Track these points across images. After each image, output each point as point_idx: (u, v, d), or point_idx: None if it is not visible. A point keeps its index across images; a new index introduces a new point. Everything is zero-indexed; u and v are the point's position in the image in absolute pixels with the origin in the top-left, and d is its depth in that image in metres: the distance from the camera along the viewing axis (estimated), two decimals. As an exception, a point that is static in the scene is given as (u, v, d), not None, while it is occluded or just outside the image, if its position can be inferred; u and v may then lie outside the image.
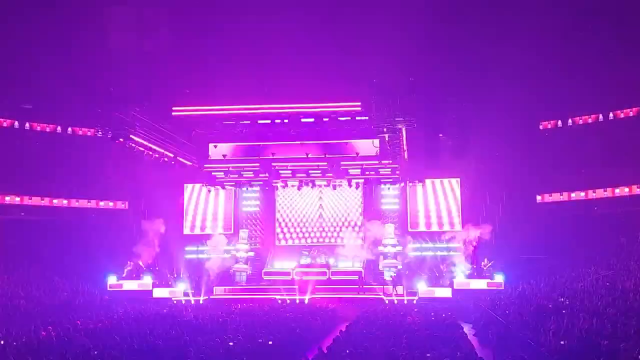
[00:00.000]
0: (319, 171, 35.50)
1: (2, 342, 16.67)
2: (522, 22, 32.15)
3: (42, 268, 33.65)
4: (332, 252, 36.47)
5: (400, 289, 31.44)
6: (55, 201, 38.88)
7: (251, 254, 36.65)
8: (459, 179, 37.13)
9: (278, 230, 38.67)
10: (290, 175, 35.54)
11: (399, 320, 21.48)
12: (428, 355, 13.85)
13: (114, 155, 33.66)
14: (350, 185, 36.84)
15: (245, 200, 38.96)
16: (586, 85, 35.28)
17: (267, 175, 36.69)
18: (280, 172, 35.97)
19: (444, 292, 30.89)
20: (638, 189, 34.44)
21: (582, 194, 36.50)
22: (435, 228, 36.89)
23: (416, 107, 30.03)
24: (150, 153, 32.45)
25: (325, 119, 34.16)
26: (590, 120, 37.71)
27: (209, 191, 38.02)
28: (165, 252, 35.60)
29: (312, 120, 33.71)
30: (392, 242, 34.63)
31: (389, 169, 34.42)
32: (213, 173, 37.17)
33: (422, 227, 37.05)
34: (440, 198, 37.14)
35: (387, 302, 30.07)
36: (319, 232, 38.05)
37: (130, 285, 33.01)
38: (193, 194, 39.38)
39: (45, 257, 35.80)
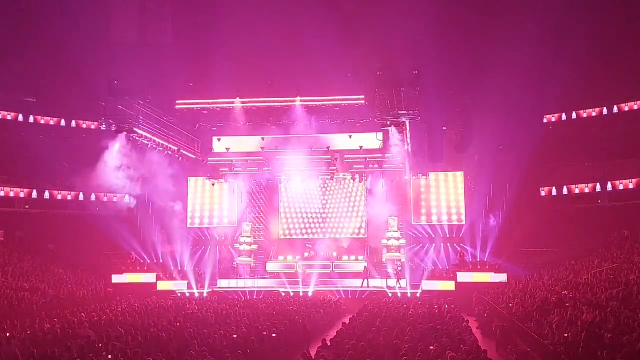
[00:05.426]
0: (323, 164, 35.49)
1: (7, 334, 16.76)
2: (527, 14, 32.04)
3: (47, 260, 33.82)
4: (335, 246, 36.50)
5: (403, 282, 31.48)
6: (59, 194, 39.01)
7: (255, 247, 36.71)
8: (462, 173, 37.02)
9: (282, 223, 38.62)
10: (294, 168, 35.50)
11: (402, 313, 21.48)
12: (431, 347, 13.87)
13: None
14: (353, 179, 36.84)
15: (249, 194, 38.91)
16: (590, 79, 35.14)
17: (270, 168, 36.71)
18: (284, 165, 35.96)
19: (448, 285, 30.85)
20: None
21: (586, 187, 36.40)
22: (438, 221, 36.80)
23: (420, 100, 29.95)
24: (155, 146, 32.50)
25: (329, 112, 34.15)
26: (594, 114, 37.62)
27: (213, 184, 38.02)
28: (169, 245, 35.73)
29: (316, 113, 33.64)
30: (396, 235, 34.61)
31: (393, 163, 34.37)
32: (217, 166, 37.23)
33: (425, 221, 36.98)
34: (443, 191, 37.01)
35: (390, 294, 30.09)
36: (322, 225, 38.01)
37: (134, 277, 33.11)
38: (197, 187, 39.36)
39: (50, 249, 36.04)
